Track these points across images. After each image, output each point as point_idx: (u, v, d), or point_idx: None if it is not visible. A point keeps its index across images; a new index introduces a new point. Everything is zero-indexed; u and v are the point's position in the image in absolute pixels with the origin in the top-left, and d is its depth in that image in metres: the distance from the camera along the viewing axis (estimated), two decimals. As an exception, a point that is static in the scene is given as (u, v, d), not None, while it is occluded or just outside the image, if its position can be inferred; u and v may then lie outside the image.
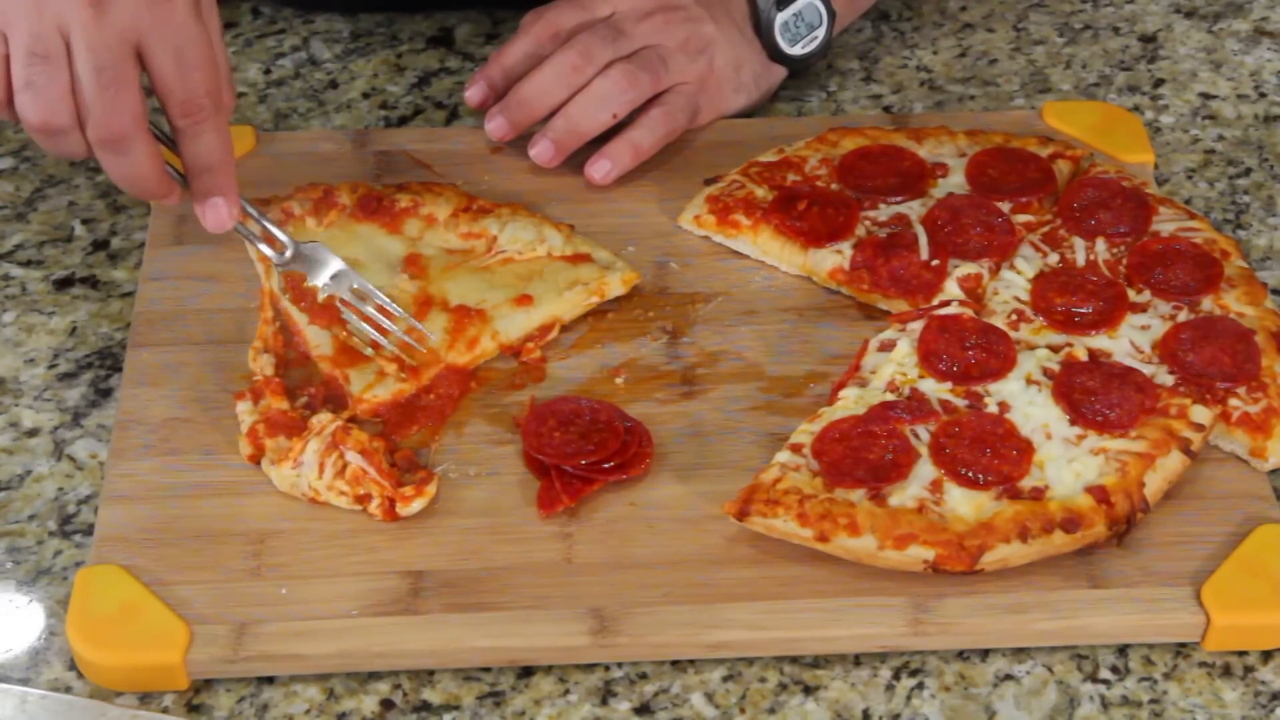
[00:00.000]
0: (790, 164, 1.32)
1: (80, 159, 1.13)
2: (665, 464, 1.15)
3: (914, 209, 1.28)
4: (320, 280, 1.20)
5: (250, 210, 1.19)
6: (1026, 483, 1.09)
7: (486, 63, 1.36)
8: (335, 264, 1.20)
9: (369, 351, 1.18)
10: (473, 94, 1.36)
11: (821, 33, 1.40)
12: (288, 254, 1.21)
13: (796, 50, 1.39)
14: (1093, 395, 1.14)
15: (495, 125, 1.33)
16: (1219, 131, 1.44)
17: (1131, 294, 1.22)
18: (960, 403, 1.14)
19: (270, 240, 1.21)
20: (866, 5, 1.48)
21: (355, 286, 1.20)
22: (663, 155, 1.34)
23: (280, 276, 1.22)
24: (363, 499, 1.11)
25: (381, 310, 1.19)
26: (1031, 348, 1.18)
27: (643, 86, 1.31)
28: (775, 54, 1.39)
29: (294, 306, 1.21)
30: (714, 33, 1.35)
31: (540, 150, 1.32)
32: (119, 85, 1.06)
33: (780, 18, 1.38)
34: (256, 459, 1.14)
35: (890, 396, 1.15)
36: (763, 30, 1.38)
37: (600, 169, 1.32)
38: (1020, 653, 1.08)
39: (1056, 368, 1.16)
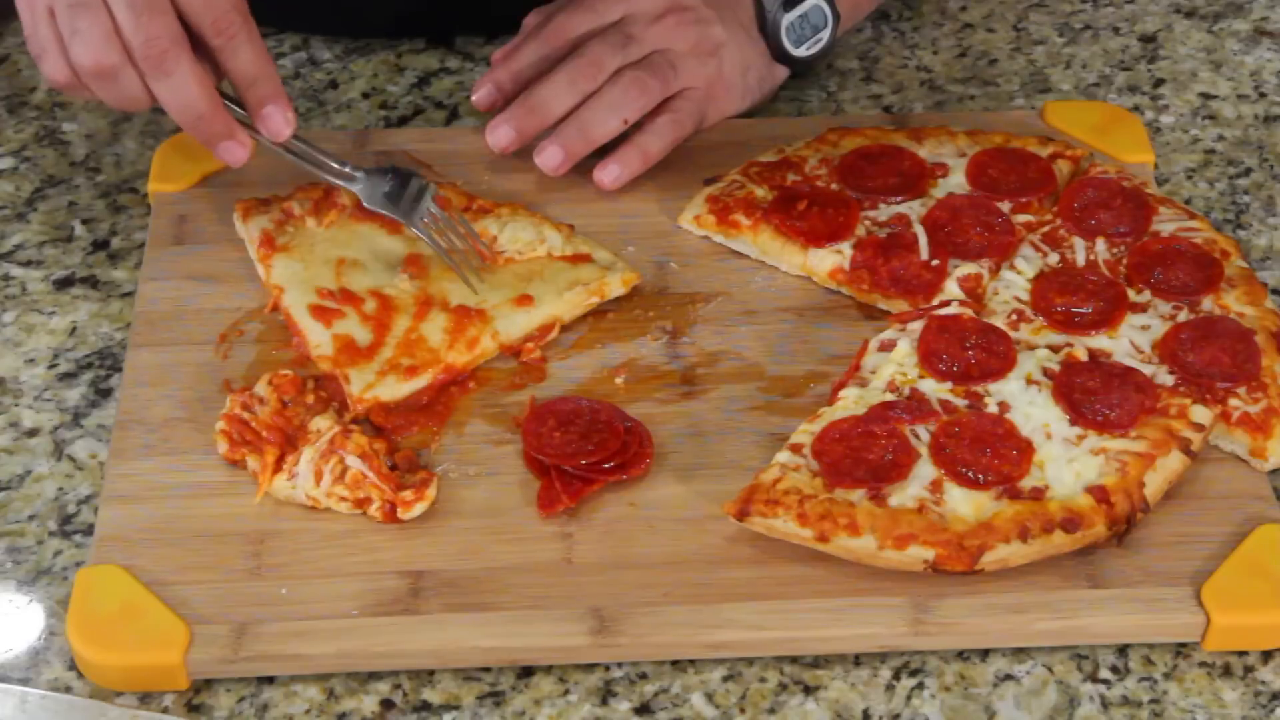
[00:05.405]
0: (790, 164, 1.32)
1: (144, 106, 1.17)
2: (665, 464, 1.15)
3: (914, 209, 1.28)
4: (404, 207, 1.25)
5: (306, 144, 1.25)
6: (1026, 483, 1.09)
7: (494, 66, 1.36)
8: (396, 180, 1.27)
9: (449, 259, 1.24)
10: (481, 96, 1.35)
11: (826, 34, 1.39)
12: (359, 177, 1.26)
13: (801, 52, 1.39)
14: (1093, 395, 1.14)
15: (501, 134, 1.32)
16: (1219, 131, 1.44)
17: (1131, 294, 1.22)
18: (960, 403, 1.14)
19: (339, 174, 1.26)
20: (870, 8, 1.47)
21: (432, 209, 1.26)
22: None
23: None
24: (362, 503, 1.11)
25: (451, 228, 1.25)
26: (1031, 348, 1.18)
27: (652, 94, 1.31)
28: (779, 55, 1.39)
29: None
30: (723, 35, 1.35)
31: (549, 155, 1.30)
32: (152, 10, 1.12)
33: (787, 19, 1.37)
34: (241, 466, 1.14)
35: (890, 396, 1.15)
36: (768, 31, 1.37)
37: (610, 174, 1.31)
38: (1020, 653, 1.08)
39: (1056, 368, 1.16)
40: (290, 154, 1.24)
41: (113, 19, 1.12)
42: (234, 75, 1.18)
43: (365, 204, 1.26)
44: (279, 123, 1.20)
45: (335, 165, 1.26)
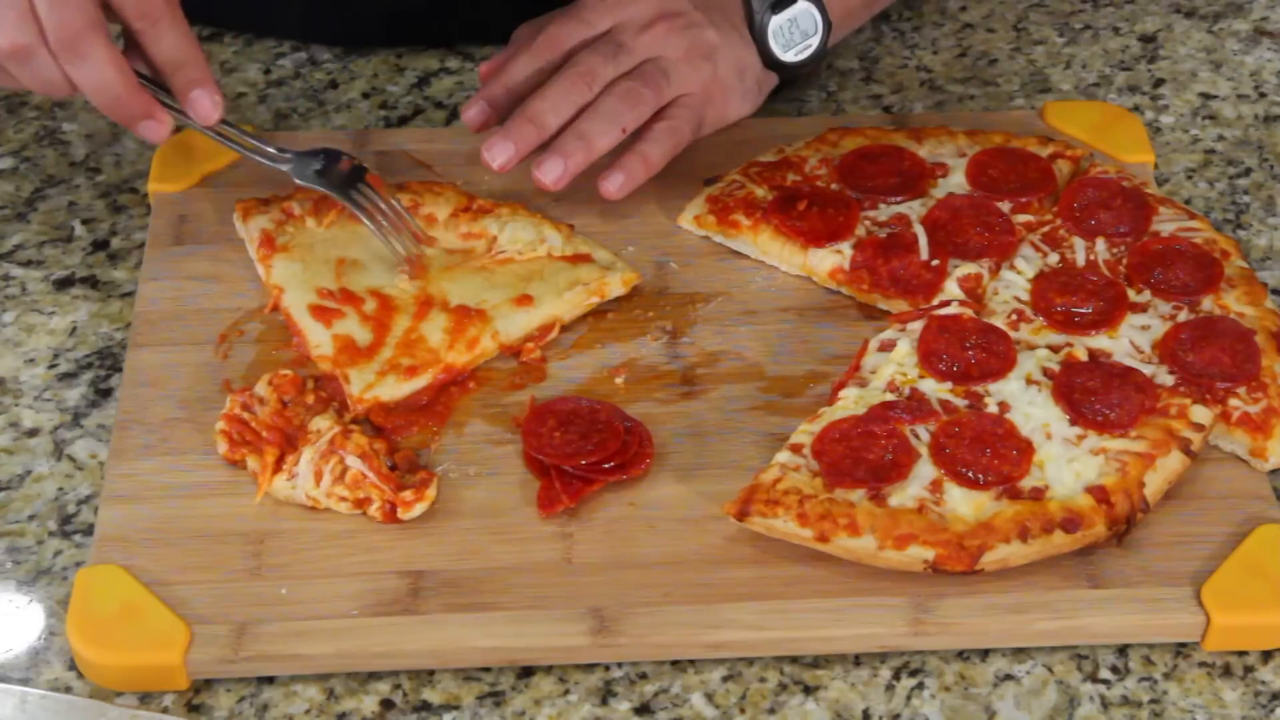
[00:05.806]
0: (790, 164, 1.32)
1: (64, 91, 1.17)
2: (665, 464, 1.15)
3: (914, 209, 1.28)
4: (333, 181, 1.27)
5: (235, 129, 1.27)
6: (1026, 483, 1.09)
7: (483, 81, 1.32)
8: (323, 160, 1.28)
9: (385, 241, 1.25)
10: (473, 115, 1.30)
11: (816, 40, 1.37)
12: (289, 157, 1.27)
13: (790, 56, 1.36)
14: (1093, 395, 1.14)
15: (499, 150, 1.26)
16: (1219, 131, 1.44)
17: (1131, 294, 1.22)
18: (960, 403, 1.14)
19: (269, 155, 1.27)
20: (864, 18, 1.46)
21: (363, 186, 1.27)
22: (663, 156, 1.34)
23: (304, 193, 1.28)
24: (362, 503, 1.11)
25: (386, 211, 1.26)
26: (1031, 348, 1.18)
27: (646, 103, 1.28)
28: (768, 60, 1.37)
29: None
30: (716, 38, 1.33)
31: (549, 167, 1.26)
32: None
33: (775, 21, 1.35)
34: (241, 466, 1.14)
35: (890, 396, 1.15)
36: (756, 34, 1.36)
37: (614, 182, 1.28)
38: (1020, 653, 1.08)
39: (1056, 368, 1.16)
40: (221, 138, 1.26)
41: (31, 2, 1.13)
42: (159, 61, 1.19)
43: (296, 180, 1.27)
44: (207, 106, 1.21)
45: (265, 147, 1.27)
